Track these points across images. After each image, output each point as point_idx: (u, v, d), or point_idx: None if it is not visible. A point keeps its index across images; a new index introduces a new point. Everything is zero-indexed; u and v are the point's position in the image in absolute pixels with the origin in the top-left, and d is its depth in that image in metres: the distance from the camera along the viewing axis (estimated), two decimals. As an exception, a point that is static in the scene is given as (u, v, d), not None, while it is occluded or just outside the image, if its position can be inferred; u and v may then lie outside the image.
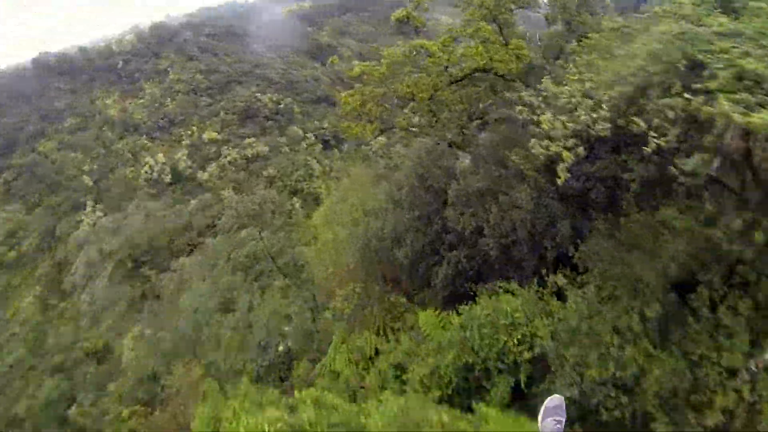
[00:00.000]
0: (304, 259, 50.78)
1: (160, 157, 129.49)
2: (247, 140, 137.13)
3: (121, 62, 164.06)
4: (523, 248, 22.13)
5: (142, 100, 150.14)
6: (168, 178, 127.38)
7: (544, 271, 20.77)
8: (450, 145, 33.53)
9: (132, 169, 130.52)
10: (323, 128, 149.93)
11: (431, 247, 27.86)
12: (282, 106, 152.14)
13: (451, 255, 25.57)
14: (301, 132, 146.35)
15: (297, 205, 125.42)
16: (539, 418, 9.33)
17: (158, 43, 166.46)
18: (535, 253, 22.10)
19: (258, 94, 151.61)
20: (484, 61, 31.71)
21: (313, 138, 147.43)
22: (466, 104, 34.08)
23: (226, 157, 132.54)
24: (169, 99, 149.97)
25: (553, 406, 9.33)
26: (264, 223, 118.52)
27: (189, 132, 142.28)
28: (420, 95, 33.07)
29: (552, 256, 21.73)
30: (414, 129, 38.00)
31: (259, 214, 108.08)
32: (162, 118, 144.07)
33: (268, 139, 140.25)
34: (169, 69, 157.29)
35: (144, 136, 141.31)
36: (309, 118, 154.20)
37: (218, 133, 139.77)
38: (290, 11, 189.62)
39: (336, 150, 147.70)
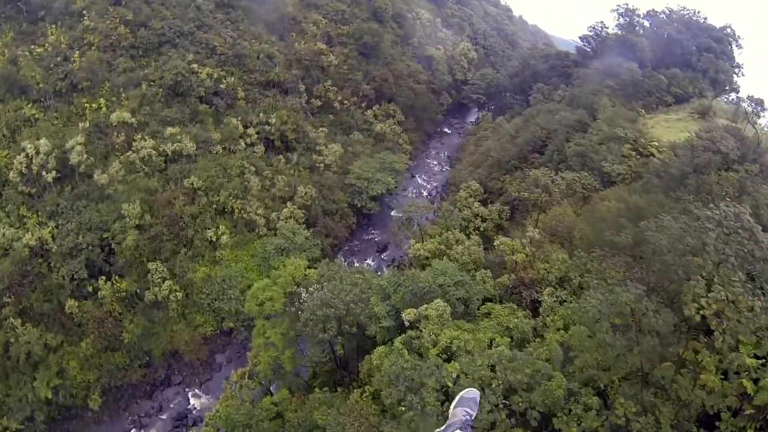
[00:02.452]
0: None
1: (44, 144, 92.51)
2: (170, 130, 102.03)
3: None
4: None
5: (40, 50, 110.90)
6: (52, 176, 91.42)
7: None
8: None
9: (6, 153, 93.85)
10: (269, 124, 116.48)
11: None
12: (223, 85, 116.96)
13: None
14: (241, 126, 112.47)
15: (224, 237, 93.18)
16: (452, 405, 9.23)
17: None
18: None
19: (195, 66, 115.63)
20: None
21: (255, 136, 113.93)
22: None
23: (138, 151, 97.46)
24: (77, 53, 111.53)
25: (468, 397, 9.23)
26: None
27: (95, 105, 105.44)
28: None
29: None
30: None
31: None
32: (62, 79, 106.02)
33: (198, 130, 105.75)
34: (84, 11, 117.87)
35: (33, 103, 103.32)
36: (254, 107, 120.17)
37: (133, 114, 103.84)
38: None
39: (281, 157, 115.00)
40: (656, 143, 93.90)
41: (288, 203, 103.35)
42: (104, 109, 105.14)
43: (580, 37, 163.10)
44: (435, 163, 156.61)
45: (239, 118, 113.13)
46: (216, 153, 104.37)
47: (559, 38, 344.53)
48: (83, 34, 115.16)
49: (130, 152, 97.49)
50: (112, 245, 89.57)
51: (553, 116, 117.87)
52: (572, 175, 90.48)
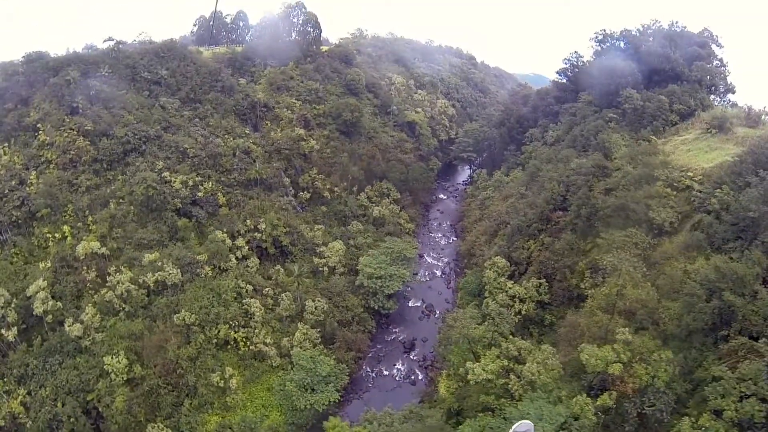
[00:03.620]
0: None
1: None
2: (148, 256, 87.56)
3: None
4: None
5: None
6: (14, 333, 76.01)
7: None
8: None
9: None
10: (258, 230, 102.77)
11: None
12: (200, 193, 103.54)
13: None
14: (228, 239, 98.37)
15: (234, 380, 78.14)
16: None
17: (29, 84, 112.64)
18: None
19: (167, 174, 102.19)
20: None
21: (246, 247, 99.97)
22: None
23: (113, 287, 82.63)
24: (33, 174, 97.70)
25: (522, 431, 10.03)
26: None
27: (58, 235, 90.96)
28: None
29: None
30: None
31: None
32: (18, 207, 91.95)
33: (180, 250, 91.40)
34: (39, 125, 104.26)
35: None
36: (239, 212, 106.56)
37: (103, 242, 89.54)
38: (215, 55, 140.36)
39: (279, 267, 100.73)
40: (690, 173, 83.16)
41: (299, 323, 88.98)
42: (69, 238, 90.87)
43: (557, 72, 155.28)
44: (440, 235, 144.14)
45: (225, 230, 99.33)
46: (205, 276, 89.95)
47: (520, 75, 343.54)
48: (39, 151, 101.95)
49: (105, 290, 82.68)
50: (100, 409, 73.69)
51: (564, 165, 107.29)
52: (620, 234, 78.19)
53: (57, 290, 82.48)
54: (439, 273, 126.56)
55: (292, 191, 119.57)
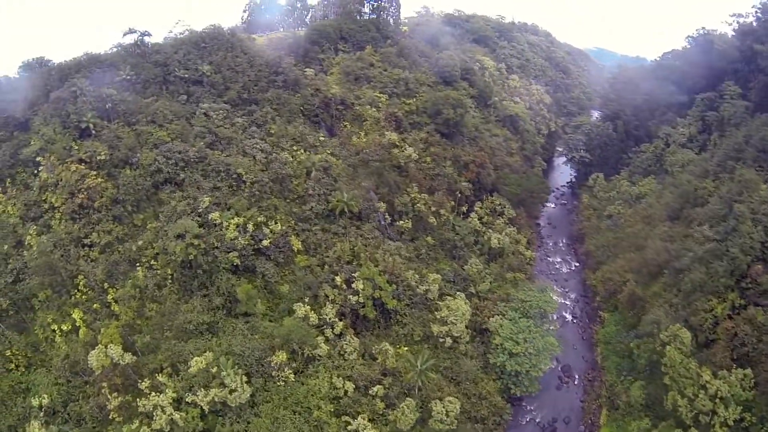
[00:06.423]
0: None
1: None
2: (197, 360, 54.27)
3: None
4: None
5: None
6: None
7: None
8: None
9: None
10: (354, 290, 68.43)
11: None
12: (267, 240, 69.43)
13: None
14: (312, 313, 64.42)
15: None
16: None
17: (27, 102, 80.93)
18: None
19: (215, 215, 68.68)
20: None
21: (339, 324, 65.92)
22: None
23: (150, 416, 50.83)
24: (32, 231, 66.29)
25: None
26: None
27: (65, 327, 59.01)
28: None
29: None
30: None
31: None
32: (11, 286, 61.31)
33: (244, 339, 58.58)
34: (39, 158, 72.37)
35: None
36: (321, 260, 72.92)
37: (130, 332, 57.44)
38: (272, 41, 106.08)
39: (386, 344, 66.57)
40: None
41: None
42: (82, 329, 58.81)
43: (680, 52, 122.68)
44: (558, 260, 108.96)
45: (306, 300, 65.89)
46: (285, 380, 56.70)
47: (586, 50, 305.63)
48: (41, 195, 70.42)
49: (137, 422, 50.21)
50: None
51: (747, 192, 73.73)
52: None
53: (71, 412, 52.00)
54: (568, 316, 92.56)
55: (388, 219, 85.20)
